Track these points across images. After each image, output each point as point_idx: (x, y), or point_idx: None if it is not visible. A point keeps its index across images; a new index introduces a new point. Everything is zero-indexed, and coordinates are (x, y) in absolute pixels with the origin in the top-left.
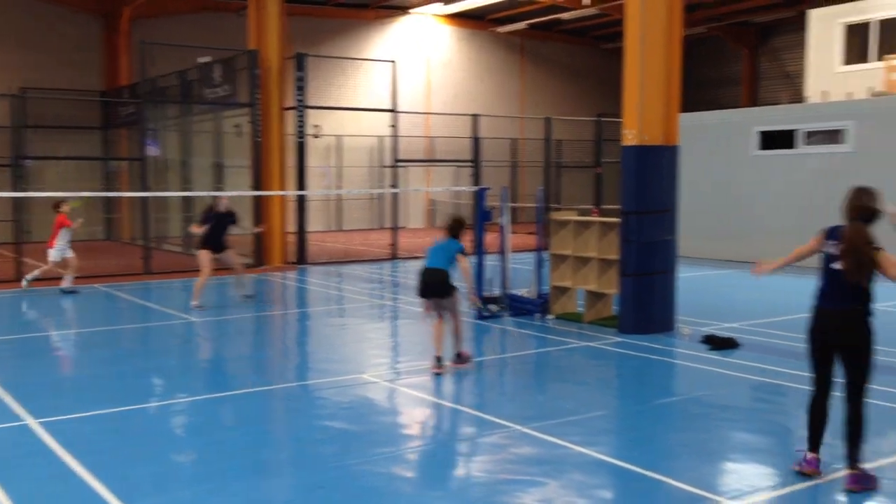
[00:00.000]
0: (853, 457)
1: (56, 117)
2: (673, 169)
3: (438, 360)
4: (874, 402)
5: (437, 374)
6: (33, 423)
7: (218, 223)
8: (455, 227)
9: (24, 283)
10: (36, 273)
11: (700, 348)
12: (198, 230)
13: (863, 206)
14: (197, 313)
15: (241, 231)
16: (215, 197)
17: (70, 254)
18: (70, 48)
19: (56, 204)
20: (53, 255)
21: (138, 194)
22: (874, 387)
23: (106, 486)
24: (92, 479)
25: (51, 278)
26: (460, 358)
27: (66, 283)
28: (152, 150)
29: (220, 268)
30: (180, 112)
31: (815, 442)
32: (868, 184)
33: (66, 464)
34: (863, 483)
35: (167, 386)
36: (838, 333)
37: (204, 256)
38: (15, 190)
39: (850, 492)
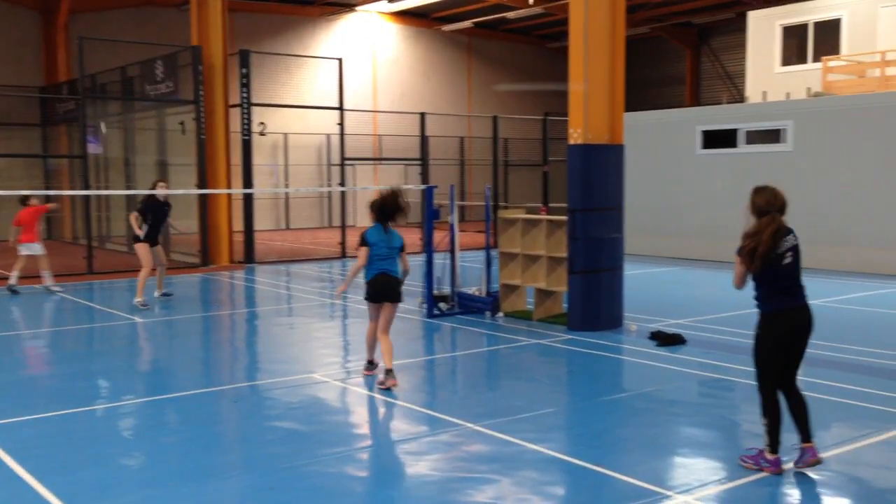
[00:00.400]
0: (810, 431)
1: None
2: (618, 167)
3: (371, 363)
4: (815, 395)
5: (369, 376)
6: None
7: (157, 214)
8: (392, 210)
9: (12, 279)
10: (16, 273)
11: (647, 344)
12: (136, 222)
13: (785, 201)
14: (142, 313)
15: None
16: (154, 184)
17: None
18: (7, 43)
19: (24, 199)
20: (38, 248)
21: (80, 192)
22: (820, 381)
23: (51, 492)
24: (36, 483)
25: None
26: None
27: (48, 280)
28: (93, 147)
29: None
30: (122, 108)
31: (778, 441)
32: (805, 181)
33: (9, 468)
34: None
35: (113, 388)
36: (805, 329)
37: (143, 250)
38: None
39: (816, 463)
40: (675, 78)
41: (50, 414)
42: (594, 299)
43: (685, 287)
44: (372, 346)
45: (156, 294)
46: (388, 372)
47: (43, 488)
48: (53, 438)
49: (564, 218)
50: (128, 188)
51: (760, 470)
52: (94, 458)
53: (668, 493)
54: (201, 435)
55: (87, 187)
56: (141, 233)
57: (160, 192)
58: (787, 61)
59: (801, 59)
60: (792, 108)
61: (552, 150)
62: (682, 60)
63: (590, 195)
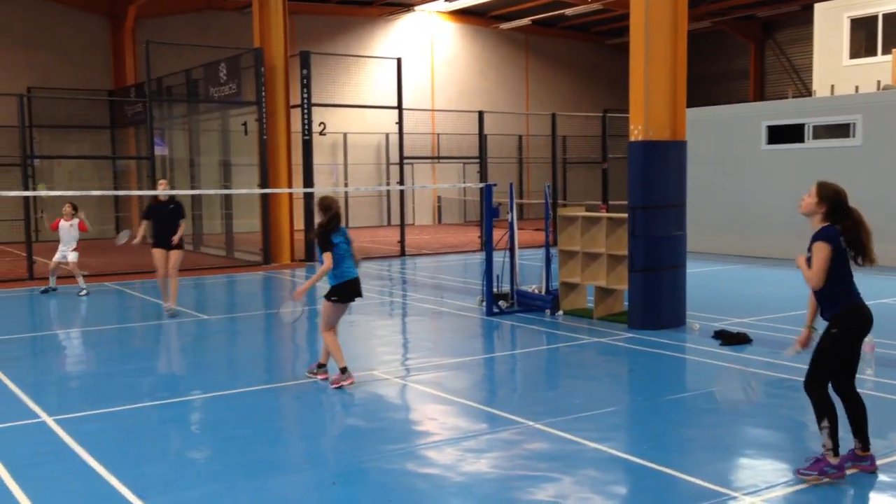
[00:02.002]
0: (868, 437)
1: (65, 117)
2: (680, 164)
3: (345, 370)
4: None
5: (343, 387)
6: (49, 421)
7: (160, 216)
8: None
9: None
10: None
11: (711, 343)
12: (142, 230)
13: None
14: (207, 311)
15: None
16: (156, 185)
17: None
18: (77, 48)
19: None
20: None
21: (147, 192)
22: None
23: (122, 483)
24: (108, 475)
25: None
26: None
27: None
28: (160, 149)
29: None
30: (187, 111)
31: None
32: (874, 177)
33: (83, 461)
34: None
35: (178, 384)
36: (871, 324)
37: (157, 255)
38: (25, 189)
39: (873, 472)
40: (739, 73)
41: (119, 408)
42: (656, 297)
43: (749, 285)
44: (336, 349)
45: (164, 306)
46: (344, 370)
47: (115, 480)
48: (121, 432)
49: (625, 215)
50: (192, 188)
51: (825, 478)
52: (159, 452)
53: (735, 494)
54: (264, 430)
55: (154, 188)
56: (143, 230)
57: (160, 192)
58: (855, 54)
59: (871, 52)
60: (861, 101)
61: (611, 147)
62: (746, 55)
63: (651, 192)
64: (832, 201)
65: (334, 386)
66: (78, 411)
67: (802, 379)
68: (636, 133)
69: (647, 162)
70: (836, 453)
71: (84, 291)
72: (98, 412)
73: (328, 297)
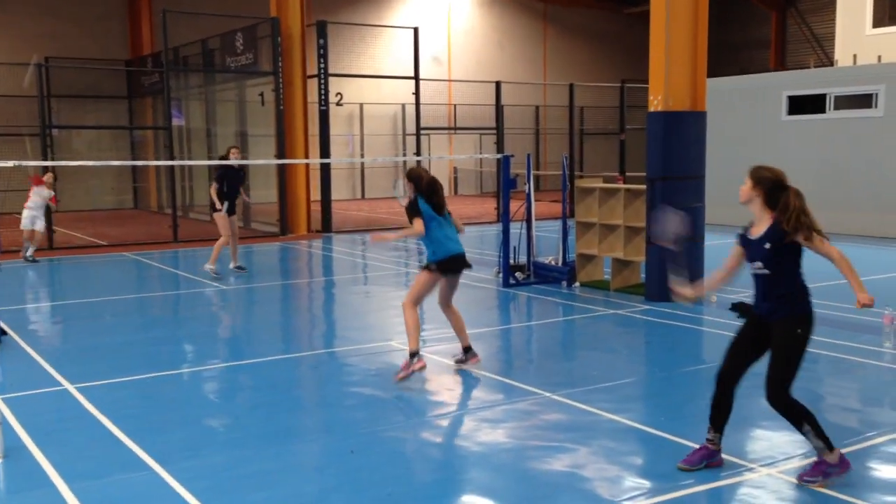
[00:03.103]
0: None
1: (83, 87)
2: (700, 135)
3: (415, 354)
4: None
5: (417, 372)
6: (71, 389)
7: (232, 182)
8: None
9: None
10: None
11: (729, 316)
12: (216, 194)
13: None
14: (224, 281)
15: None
16: (228, 151)
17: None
18: (94, 17)
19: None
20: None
21: (164, 163)
22: None
23: (144, 450)
24: (130, 442)
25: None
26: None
27: (28, 253)
28: (177, 120)
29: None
30: (204, 81)
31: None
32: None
33: (105, 428)
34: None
35: (197, 353)
36: None
37: (223, 220)
38: (44, 159)
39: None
40: (760, 41)
41: (140, 377)
42: None
43: None
44: (413, 327)
45: (231, 266)
46: (414, 355)
47: (136, 447)
48: (144, 400)
49: (643, 187)
50: (209, 158)
51: (830, 478)
52: (182, 420)
53: (752, 465)
54: (283, 399)
55: (171, 158)
56: (221, 206)
57: (233, 160)
58: (878, 23)
59: (894, 21)
60: (884, 71)
61: (629, 117)
62: (767, 23)
63: (670, 164)
64: (768, 184)
65: (401, 375)
66: (99, 379)
67: (819, 351)
68: (656, 103)
69: (666, 133)
70: (830, 448)
71: (32, 259)
72: (119, 380)
73: (426, 266)
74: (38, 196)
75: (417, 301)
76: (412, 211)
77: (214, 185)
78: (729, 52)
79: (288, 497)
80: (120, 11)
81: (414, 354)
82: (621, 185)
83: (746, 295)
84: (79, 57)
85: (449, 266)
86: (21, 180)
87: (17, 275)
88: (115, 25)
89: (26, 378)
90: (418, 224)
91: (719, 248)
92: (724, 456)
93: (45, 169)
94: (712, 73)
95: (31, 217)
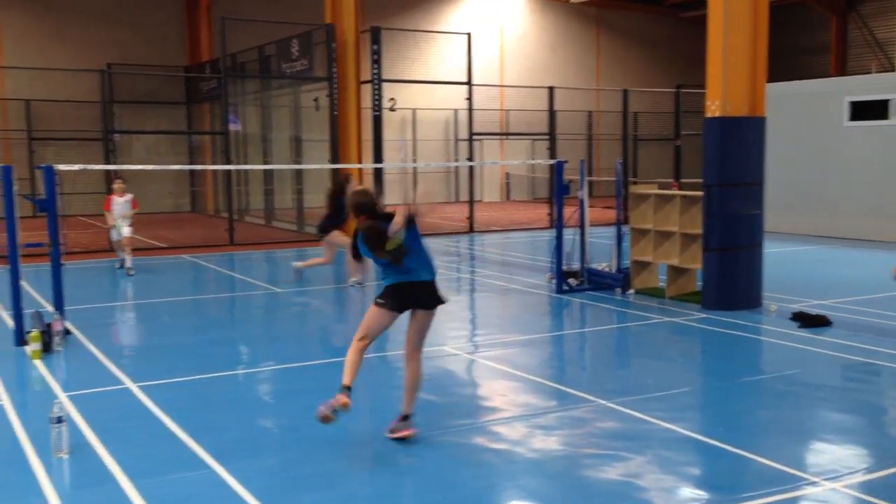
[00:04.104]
0: None
1: (143, 93)
2: (759, 141)
3: (346, 388)
4: None
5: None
6: (133, 387)
7: (341, 201)
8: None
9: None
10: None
11: (789, 325)
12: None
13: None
14: (279, 284)
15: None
16: (344, 174)
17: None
18: (154, 24)
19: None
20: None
21: (222, 167)
22: None
23: (203, 449)
24: (190, 441)
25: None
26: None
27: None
28: (234, 126)
29: (308, 240)
30: (260, 86)
31: None
32: None
33: (165, 426)
34: None
35: (252, 354)
36: None
37: (339, 238)
38: (106, 163)
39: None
40: (820, 46)
41: (197, 377)
42: (731, 277)
43: (829, 266)
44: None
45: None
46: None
47: (196, 445)
48: (201, 400)
49: (699, 193)
50: (265, 163)
51: None
52: (238, 420)
53: (815, 479)
54: None
55: (228, 163)
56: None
57: (350, 181)
58: None
59: None
60: None
61: (684, 123)
62: (828, 28)
63: (728, 170)
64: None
65: (324, 414)
66: (159, 379)
67: (883, 363)
68: (713, 109)
69: (724, 139)
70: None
71: (132, 271)
72: (178, 380)
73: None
74: (117, 207)
75: (362, 336)
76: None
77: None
78: (788, 57)
79: (342, 499)
80: (179, 19)
81: (343, 389)
82: (677, 192)
83: (806, 304)
84: (139, 63)
85: (397, 299)
86: (86, 184)
87: (80, 276)
88: (175, 32)
89: (90, 376)
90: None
91: (778, 256)
92: (785, 468)
93: (114, 177)
94: (771, 78)
95: (117, 230)
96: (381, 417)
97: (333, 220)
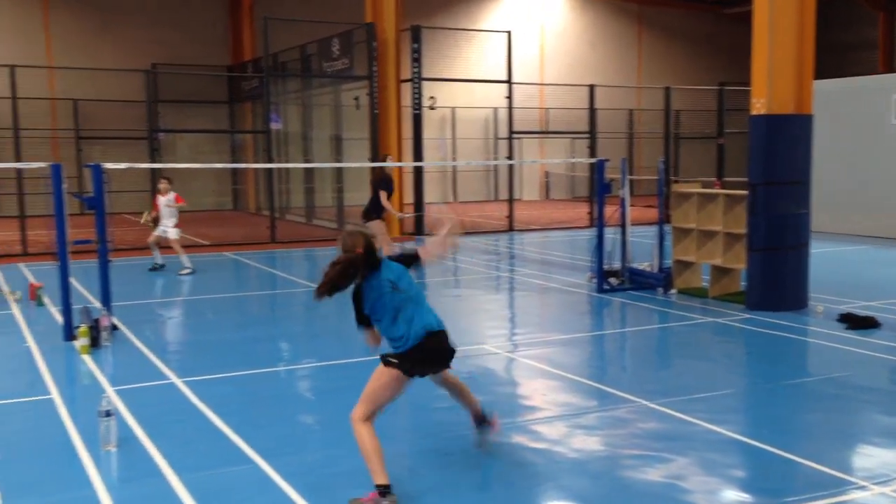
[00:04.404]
0: None
1: (186, 92)
2: (805, 139)
3: (387, 490)
4: None
5: None
6: (178, 382)
7: (378, 189)
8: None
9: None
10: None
11: (836, 327)
12: (388, 202)
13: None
14: (316, 281)
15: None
16: (384, 157)
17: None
18: (198, 25)
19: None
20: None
21: (263, 165)
22: None
23: (247, 444)
24: (234, 436)
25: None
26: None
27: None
28: (275, 125)
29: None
30: (301, 86)
31: None
32: None
33: (210, 421)
34: None
35: (293, 351)
36: None
37: (378, 227)
38: (151, 162)
39: None
40: (867, 43)
41: (240, 373)
42: (776, 278)
43: (878, 267)
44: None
45: None
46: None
47: (240, 440)
48: (245, 395)
49: (743, 192)
50: (305, 162)
51: None
52: (281, 416)
53: (863, 483)
54: None
55: (269, 161)
56: (400, 212)
57: (389, 164)
58: None
59: None
60: None
61: (728, 121)
62: (874, 24)
63: (773, 169)
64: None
65: None
66: (203, 374)
67: None
68: (758, 107)
69: (769, 137)
70: None
71: (186, 270)
72: (221, 376)
73: (385, 359)
74: (163, 206)
75: (376, 412)
76: (357, 314)
77: (384, 194)
78: (834, 54)
79: None
80: (222, 19)
81: (383, 491)
82: (720, 191)
83: (854, 305)
84: (184, 63)
85: (417, 364)
86: (132, 182)
87: (125, 272)
88: (218, 32)
89: (136, 371)
90: (368, 338)
91: (825, 256)
92: (832, 472)
93: (159, 176)
94: (818, 75)
95: (163, 230)
96: (420, 412)
97: (374, 206)
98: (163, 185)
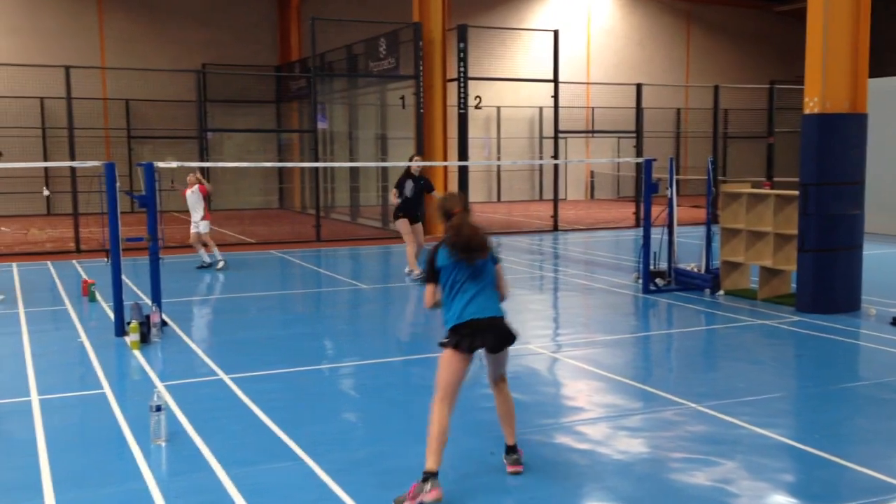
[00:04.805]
0: None
1: (234, 92)
2: (860, 138)
3: (429, 475)
4: None
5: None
6: (225, 378)
7: (412, 190)
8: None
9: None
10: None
11: (889, 330)
12: (394, 197)
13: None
14: (364, 280)
15: None
16: (411, 158)
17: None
18: (247, 26)
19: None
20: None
21: (309, 164)
22: None
23: (293, 440)
24: (280, 432)
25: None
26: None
27: (206, 258)
28: (322, 123)
29: (397, 236)
30: (347, 85)
31: None
32: None
33: (256, 417)
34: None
35: (337, 349)
36: None
37: (401, 225)
38: (201, 160)
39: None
40: None
41: (285, 370)
42: (828, 280)
43: None
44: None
45: (406, 269)
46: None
47: (286, 437)
48: (290, 392)
49: (794, 193)
50: (350, 161)
51: None
52: (326, 413)
53: None
54: (420, 398)
55: (315, 160)
56: (396, 201)
57: (414, 164)
58: None
59: None
60: None
61: (778, 120)
62: None
63: (826, 169)
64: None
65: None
66: (249, 371)
67: None
68: (811, 105)
69: (822, 136)
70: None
71: (221, 264)
72: (267, 373)
73: (440, 343)
74: (189, 197)
75: (446, 394)
76: (427, 269)
77: (394, 191)
78: (890, 52)
79: None
80: (271, 19)
81: (428, 477)
82: (771, 191)
83: None
84: (232, 64)
85: (465, 336)
86: (181, 181)
87: (173, 269)
88: (266, 33)
89: (185, 367)
90: (427, 294)
91: (880, 258)
92: (885, 478)
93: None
94: (873, 73)
95: (194, 224)
96: (467, 413)
97: (402, 206)
98: (190, 177)
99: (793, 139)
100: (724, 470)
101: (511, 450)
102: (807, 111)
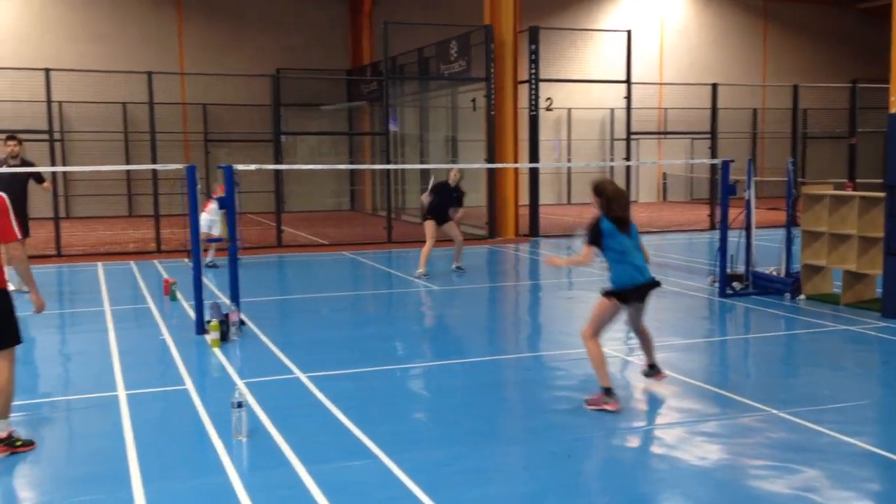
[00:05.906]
0: None
1: (308, 95)
2: None
3: (609, 391)
4: None
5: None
6: (302, 377)
7: (443, 196)
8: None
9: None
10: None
11: None
12: (424, 200)
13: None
14: (434, 282)
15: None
16: (450, 171)
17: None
18: (320, 30)
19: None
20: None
21: (382, 167)
22: None
23: (369, 439)
24: (357, 431)
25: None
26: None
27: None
28: (394, 126)
29: (445, 239)
30: (418, 88)
31: None
32: None
33: (333, 416)
34: None
35: (409, 349)
36: None
37: (428, 226)
38: (276, 163)
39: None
40: None
41: (359, 370)
42: None
43: None
44: (600, 362)
45: (452, 266)
46: (608, 391)
47: (363, 435)
48: (364, 392)
49: (880, 195)
50: (422, 163)
51: None
52: (399, 413)
53: None
54: (493, 400)
55: (387, 163)
56: (425, 199)
57: (451, 176)
58: None
59: None
60: None
61: (860, 120)
62: None
63: None
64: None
65: (592, 407)
66: (325, 370)
67: None
68: None
69: None
70: None
71: (211, 264)
72: (342, 372)
73: (605, 293)
74: (215, 203)
75: (597, 332)
76: (590, 232)
77: (426, 194)
78: None
79: (504, 496)
80: (343, 23)
81: (607, 392)
82: (855, 193)
83: None
84: (306, 68)
85: (630, 296)
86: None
87: (253, 269)
88: (338, 37)
89: (263, 365)
90: (586, 252)
91: None
92: None
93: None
94: None
95: (209, 221)
96: (541, 414)
97: (431, 208)
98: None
99: (875, 139)
100: (807, 478)
101: (653, 367)
102: (893, 110)
